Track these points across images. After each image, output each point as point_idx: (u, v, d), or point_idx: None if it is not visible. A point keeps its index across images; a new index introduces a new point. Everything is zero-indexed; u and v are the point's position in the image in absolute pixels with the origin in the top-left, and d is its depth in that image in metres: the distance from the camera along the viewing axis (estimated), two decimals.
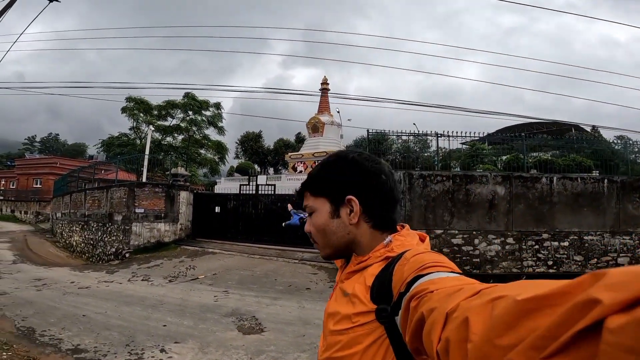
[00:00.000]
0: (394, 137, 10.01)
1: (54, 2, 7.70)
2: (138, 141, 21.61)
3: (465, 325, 0.36)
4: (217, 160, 24.23)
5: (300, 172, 25.60)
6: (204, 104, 22.49)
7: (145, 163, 14.77)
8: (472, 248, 8.20)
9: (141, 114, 21.60)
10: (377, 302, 0.67)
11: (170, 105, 21.79)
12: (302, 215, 1.81)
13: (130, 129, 22.33)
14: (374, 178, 0.81)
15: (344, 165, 0.83)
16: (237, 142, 40.75)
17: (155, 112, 21.73)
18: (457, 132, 9.31)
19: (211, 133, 23.58)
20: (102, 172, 26.66)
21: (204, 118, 22.88)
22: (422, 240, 0.82)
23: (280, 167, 38.87)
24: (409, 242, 0.78)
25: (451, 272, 0.58)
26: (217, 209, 13.68)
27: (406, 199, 8.16)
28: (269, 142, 42.50)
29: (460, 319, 0.38)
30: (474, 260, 8.17)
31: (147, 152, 15.55)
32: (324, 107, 28.97)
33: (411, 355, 0.54)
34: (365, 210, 0.80)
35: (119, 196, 12.94)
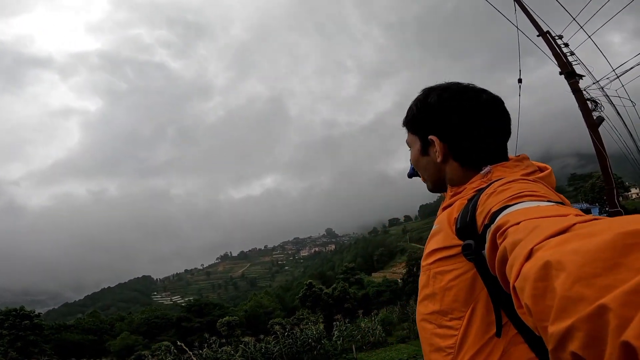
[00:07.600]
0: None
1: None
2: None
3: (549, 264, 0.30)
4: None
5: None
6: None
7: None
8: None
9: None
10: (462, 236, 0.63)
11: None
12: None
13: None
14: (462, 117, 0.75)
15: (432, 103, 0.79)
16: None
17: None
18: None
19: None
20: None
21: None
22: (542, 170, 0.72)
23: None
24: (512, 172, 0.69)
25: (547, 200, 0.50)
26: None
27: None
28: None
29: (543, 259, 0.31)
30: None
31: None
32: None
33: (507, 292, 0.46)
34: (451, 149, 0.76)
35: None
